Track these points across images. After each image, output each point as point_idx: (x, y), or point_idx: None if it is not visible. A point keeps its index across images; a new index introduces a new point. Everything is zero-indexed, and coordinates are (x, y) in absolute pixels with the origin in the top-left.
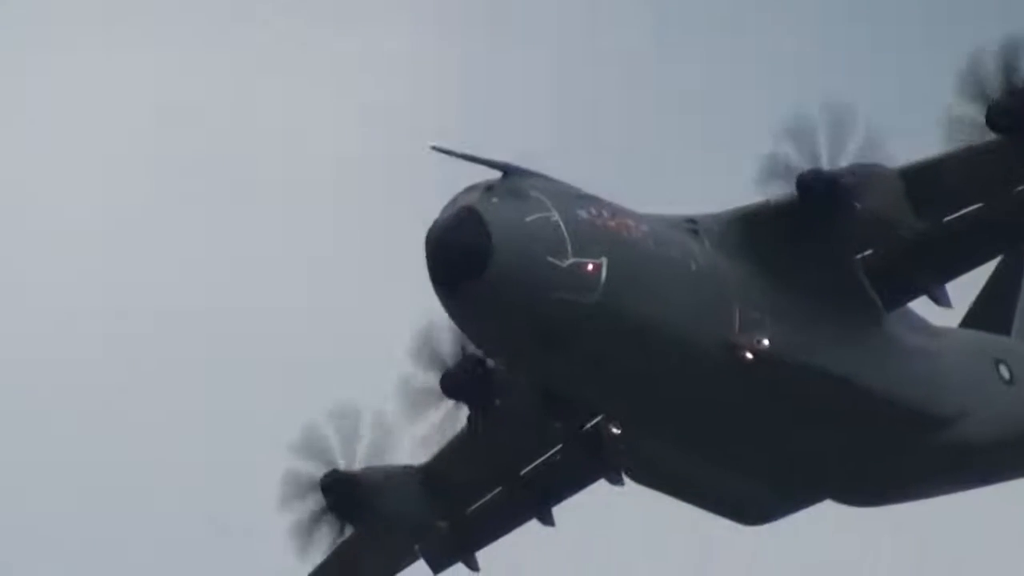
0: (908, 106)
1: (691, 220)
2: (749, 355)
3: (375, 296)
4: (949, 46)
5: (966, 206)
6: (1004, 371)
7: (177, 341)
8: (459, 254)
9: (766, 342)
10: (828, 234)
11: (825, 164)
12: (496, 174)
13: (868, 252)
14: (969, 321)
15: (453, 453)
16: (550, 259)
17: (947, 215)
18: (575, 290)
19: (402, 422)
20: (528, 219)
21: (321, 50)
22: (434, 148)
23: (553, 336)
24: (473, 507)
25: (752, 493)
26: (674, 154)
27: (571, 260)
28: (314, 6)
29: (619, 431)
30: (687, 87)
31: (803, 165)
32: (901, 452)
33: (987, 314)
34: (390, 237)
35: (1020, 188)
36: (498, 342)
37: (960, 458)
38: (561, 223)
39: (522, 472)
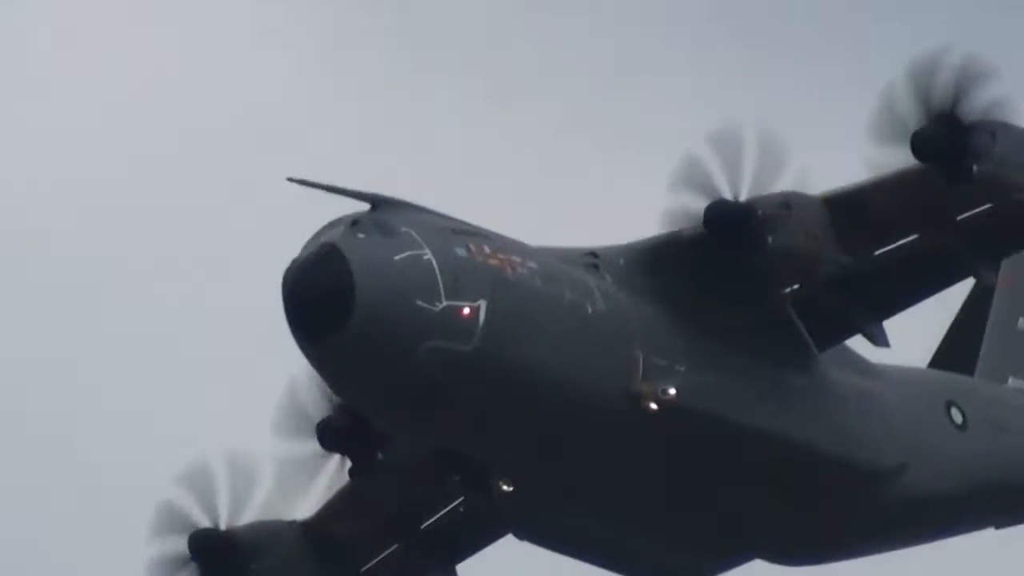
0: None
1: (592, 253)
2: (654, 406)
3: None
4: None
5: (899, 238)
6: (956, 415)
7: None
8: (318, 299)
9: (673, 391)
10: (740, 271)
11: (733, 194)
12: (364, 206)
13: (795, 287)
14: (938, 361)
15: (339, 507)
16: (420, 303)
17: (878, 248)
18: (450, 337)
19: (279, 475)
20: (397, 258)
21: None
22: (291, 180)
23: (427, 389)
24: (367, 566)
25: (668, 554)
26: (577, 186)
27: (444, 304)
28: None
29: (511, 488)
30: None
31: (713, 195)
32: (834, 509)
33: (956, 353)
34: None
35: (958, 218)
36: (367, 395)
37: (903, 514)
38: (434, 262)
39: (422, 526)
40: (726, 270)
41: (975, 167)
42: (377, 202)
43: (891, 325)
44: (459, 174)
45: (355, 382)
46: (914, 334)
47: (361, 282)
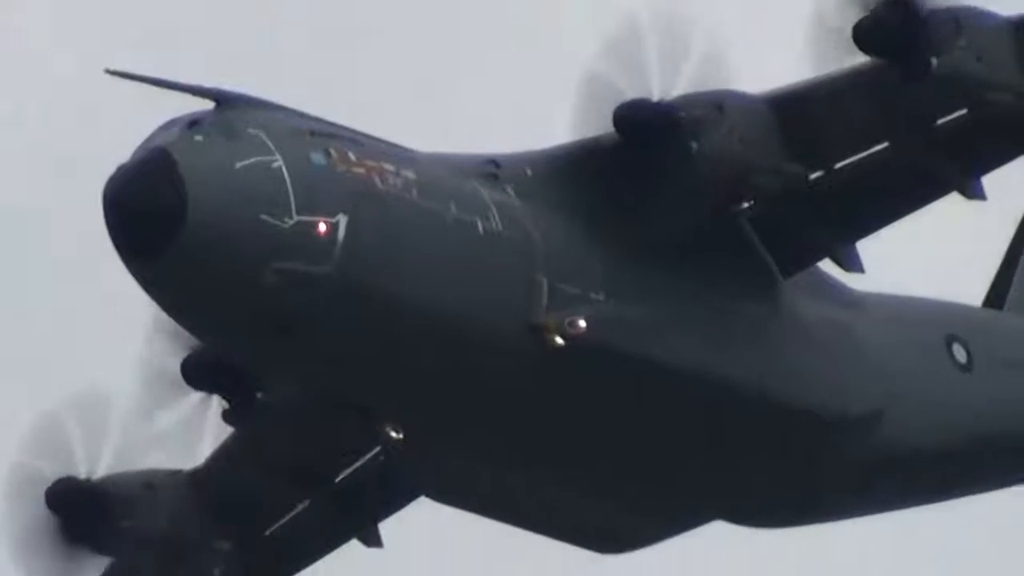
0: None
1: (493, 162)
2: (560, 340)
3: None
4: None
5: (865, 148)
6: (959, 352)
7: None
8: (142, 212)
9: (582, 323)
10: (662, 183)
11: (656, 91)
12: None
13: (749, 203)
14: (992, 300)
15: (234, 457)
16: (266, 218)
17: (840, 159)
18: (302, 258)
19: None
20: (239, 165)
21: None
22: (110, 72)
23: (278, 318)
24: (273, 527)
25: (603, 517)
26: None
27: (296, 219)
28: None
29: (401, 436)
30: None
31: (630, 91)
32: (798, 465)
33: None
34: None
35: (937, 123)
36: (209, 326)
37: (888, 470)
38: (284, 170)
39: (337, 479)
40: (646, 181)
41: (934, 60)
42: (222, 99)
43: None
44: None
45: (193, 309)
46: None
47: (194, 192)
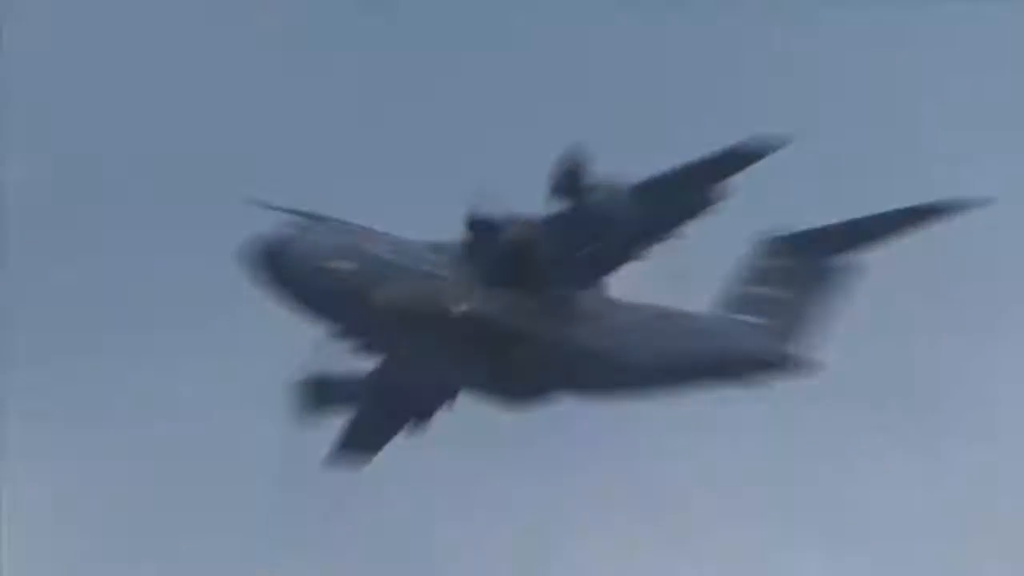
0: None
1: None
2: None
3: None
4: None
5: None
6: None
7: None
8: (262, 254)
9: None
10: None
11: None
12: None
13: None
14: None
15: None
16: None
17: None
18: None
19: None
20: (309, 237)
21: None
22: (251, 202)
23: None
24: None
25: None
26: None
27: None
28: None
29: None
30: None
31: None
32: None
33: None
34: None
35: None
36: (302, 311)
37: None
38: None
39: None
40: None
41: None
42: (313, 217)
43: None
44: None
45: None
46: None
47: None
